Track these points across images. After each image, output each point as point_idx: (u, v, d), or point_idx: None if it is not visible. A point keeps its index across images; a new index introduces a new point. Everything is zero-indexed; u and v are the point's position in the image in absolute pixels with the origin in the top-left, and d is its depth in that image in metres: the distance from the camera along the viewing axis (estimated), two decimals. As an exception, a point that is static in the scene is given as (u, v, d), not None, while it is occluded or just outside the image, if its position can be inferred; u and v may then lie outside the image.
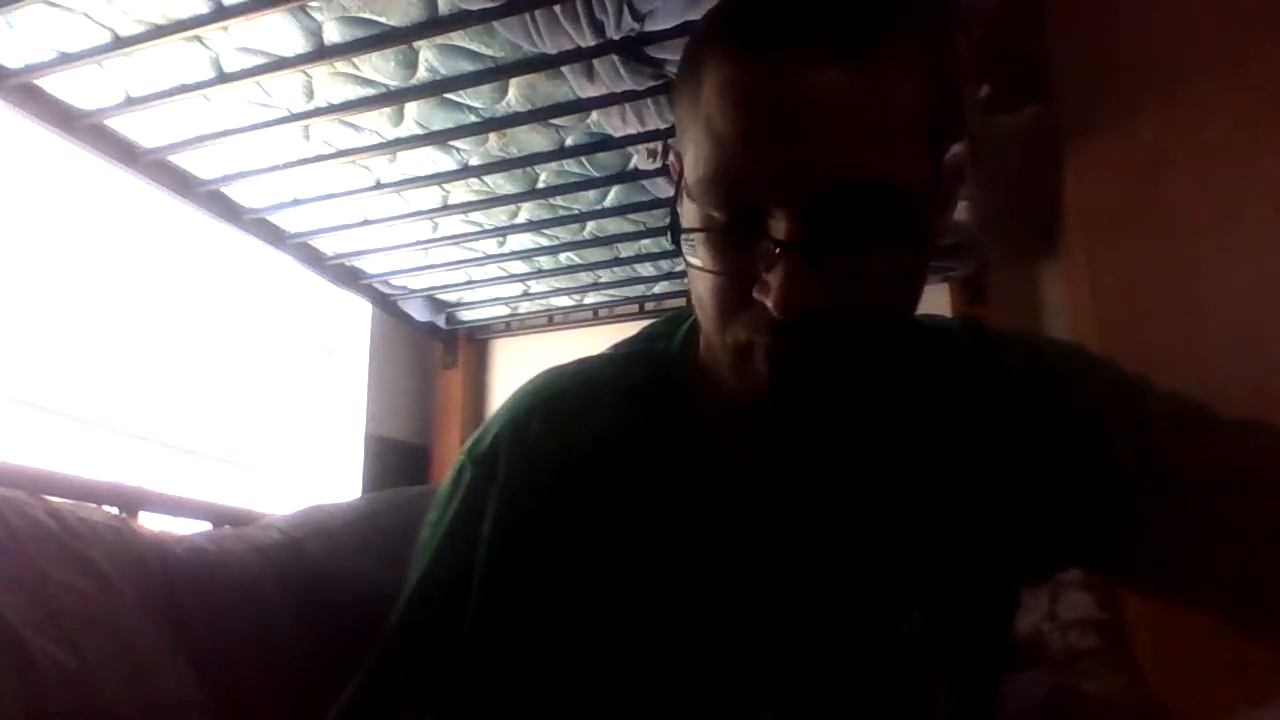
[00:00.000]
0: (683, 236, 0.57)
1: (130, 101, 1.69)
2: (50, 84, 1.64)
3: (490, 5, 1.47)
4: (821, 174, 0.51)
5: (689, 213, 0.57)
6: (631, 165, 2.02)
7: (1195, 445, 0.62)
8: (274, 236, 2.24)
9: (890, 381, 0.66)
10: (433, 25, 1.52)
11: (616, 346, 0.73)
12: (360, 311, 2.69)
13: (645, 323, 0.75)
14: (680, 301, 2.67)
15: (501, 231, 2.31)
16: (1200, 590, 0.63)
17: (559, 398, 0.67)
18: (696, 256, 0.56)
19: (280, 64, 1.60)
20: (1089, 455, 0.64)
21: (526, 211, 2.22)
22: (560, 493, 0.63)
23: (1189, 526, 0.61)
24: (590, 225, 2.30)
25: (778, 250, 0.52)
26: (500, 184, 2.08)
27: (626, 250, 2.47)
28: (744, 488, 0.63)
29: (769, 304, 0.52)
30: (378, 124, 1.82)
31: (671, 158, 0.64)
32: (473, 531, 0.63)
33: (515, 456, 0.64)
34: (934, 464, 0.65)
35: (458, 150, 1.94)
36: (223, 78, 1.63)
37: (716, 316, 0.57)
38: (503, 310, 2.88)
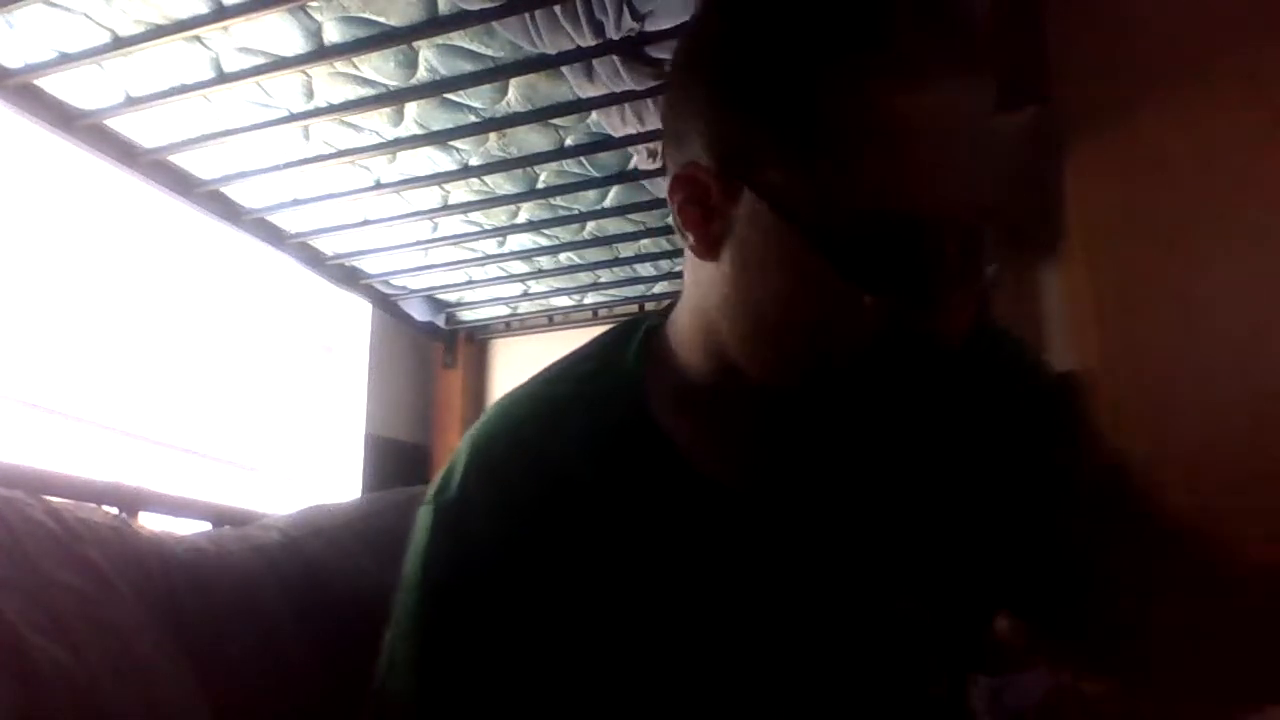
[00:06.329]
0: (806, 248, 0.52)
1: (130, 101, 1.69)
2: (50, 84, 1.64)
3: (490, 5, 1.47)
4: (983, 198, 0.52)
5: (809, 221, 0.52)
6: (631, 165, 2.02)
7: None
8: (274, 236, 2.23)
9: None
10: (433, 25, 1.52)
11: (567, 362, 0.70)
12: (360, 311, 2.69)
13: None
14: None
15: (501, 231, 2.31)
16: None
17: (519, 427, 0.65)
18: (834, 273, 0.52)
19: (280, 64, 1.60)
20: (1035, 454, 0.66)
21: (526, 211, 2.22)
22: (538, 521, 0.61)
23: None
24: (590, 225, 2.30)
25: (949, 274, 0.52)
26: (500, 184, 2.08)
27: (626, 250, 2.47)
28: (713, 500, 0.62)
29: (933, 332, 0.53)
30: (378, 124, 1.81)
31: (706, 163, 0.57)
32: (464, 576, 0.61)
33: (486, 493, 0.62)
34: (901, 457, 0.65)
35: (458, 150, 1.94)
36: (223, 78, 1.63)
37: (852, 330, 0.54)
38: (503, 310, 2.88)
